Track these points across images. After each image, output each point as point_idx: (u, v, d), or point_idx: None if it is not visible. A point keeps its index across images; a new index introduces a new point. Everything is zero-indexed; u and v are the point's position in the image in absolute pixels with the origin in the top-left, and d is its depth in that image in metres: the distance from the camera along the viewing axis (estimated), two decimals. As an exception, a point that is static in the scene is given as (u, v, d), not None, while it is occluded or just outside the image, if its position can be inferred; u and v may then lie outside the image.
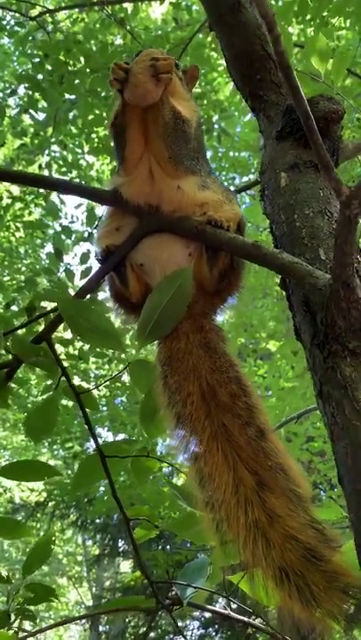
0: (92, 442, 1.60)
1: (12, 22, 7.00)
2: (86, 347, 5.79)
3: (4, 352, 1.74)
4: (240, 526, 1.33)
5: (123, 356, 6.84)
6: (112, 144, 1.62)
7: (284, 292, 1.74)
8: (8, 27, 7.08)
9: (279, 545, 1.31)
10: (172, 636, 8.94)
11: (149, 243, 1.59)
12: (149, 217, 1.58)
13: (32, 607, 2.07)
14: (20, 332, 2.28)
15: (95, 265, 1.78)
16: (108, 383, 7.52)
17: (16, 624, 2.03)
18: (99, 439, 1.68)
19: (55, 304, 1.89)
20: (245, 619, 1.75)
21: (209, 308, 1.64)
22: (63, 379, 1.66)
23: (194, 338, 1.55)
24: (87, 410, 1.68)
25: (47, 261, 8.00)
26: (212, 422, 1.44)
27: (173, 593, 1.69)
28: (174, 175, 1.56)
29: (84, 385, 7.54)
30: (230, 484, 1.37)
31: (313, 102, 1.90)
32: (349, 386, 1.33)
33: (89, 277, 1.66)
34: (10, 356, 1.70)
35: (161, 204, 1.56)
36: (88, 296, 1.72)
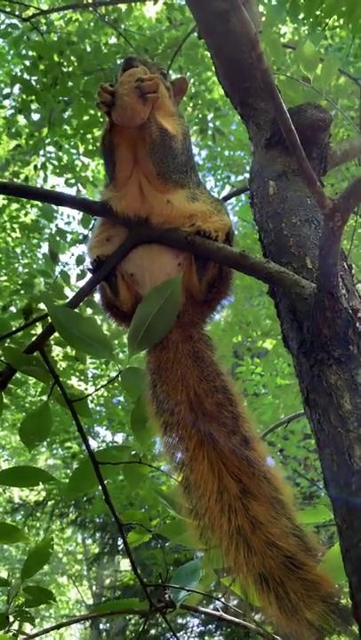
0: (91, 441, 1.63)
1: (6, 23, 7.00)
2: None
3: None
4: (223, 533, 1.36)
5: (120, 355, 6.87)
6: (102, 158, 1.64)
7: (273, 300, 1.77)
8: (2, 27, 7.08)
9: (260, 551, 1.34)
10: (171, 633, 8.99)
11: (140, 253, 1.61)
12: (139, 228, 1.60)
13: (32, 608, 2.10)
14: (17, 334, 2.30)
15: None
16: (102, 389, 7.54)
17: (15, 626, 2.07)
18: (96, 439, 1.71)
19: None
20: (237, 619, 1.78)
21: (198, 317, 1.67)
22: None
23: (183, 347, 1.58)
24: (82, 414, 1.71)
25: (43, 261, 8.02)
26: (198, 431, 1.47)
27: (167, 596, 1.72)
28: (163, 190, 1.59)
29: (82, 386, 7.57)
30: (215, 492, 1.39)
31: (301, 110, 1.93)
32: (335, 393, 1.36)
33: (80, 288, 1.68)
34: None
35: (151, 217, 1.59)
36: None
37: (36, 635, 1.70)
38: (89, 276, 1.69)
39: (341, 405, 1.34)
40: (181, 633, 8.88)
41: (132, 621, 10.31)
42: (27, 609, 2.12)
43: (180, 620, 9.12)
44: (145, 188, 1.59)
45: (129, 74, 1.51)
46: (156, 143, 1.54)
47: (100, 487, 1.66)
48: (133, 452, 1.75)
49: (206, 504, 1.39)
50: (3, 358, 1.73)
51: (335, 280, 1.37)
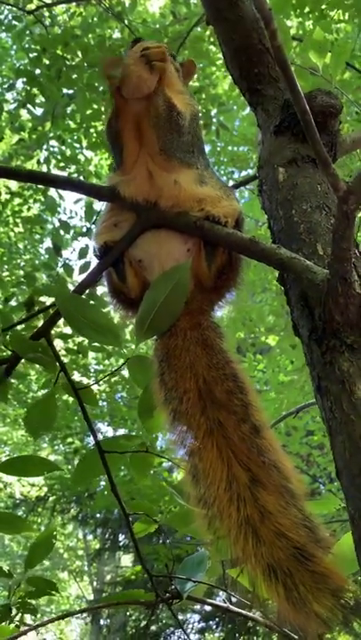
0: (92, 437, 1.60)
1: (10, 17, 6.97)
2: (86, 341, 5.80)
3: (2, 347, 1.75)
4: (232, 522, 1.33)
5: (123, 350, 6.85)
6: (109, 145, 1.62)
7: (282, 287, 1.74)
8: (6, 21, 7.05)
9: (269, 542, 1.31)
10: (172, 629, 8.99)
11: (148, 238, 1.59)
12: (147, 213, 1.58)
13: (33, 601, 2.09)
14: (18, 327, 2.28)
15: (94, 260, 1.79)
16: (107, 378, 7.53)
17: (17, 618, 2.05)
18: (98, 435, 1.69)
19: (54, 299, 1.89)
20: (245, 612, 1.76)
21: (207, 305, 1.64)
22: (62, 374, 1.66)
23: (191, 335, 1.55)
24: (86, 405, 1.69)
25: (46, 256, 8.00)
26: (207, 419, 1.44)
27: (173, 587, 1.70)
28: (168, 168, 1.56)
29: (84, 380, 7.56)
30: (224, 481, 1.36)
31: (311, 97, 1.90)
32: (347, 380, 1.33)
33: (87, 273, 1.66)
34: (8, 352, 1.70)
35: (159, 200, 1.56)
36: (87, 291, 1.72)
37: (41, 625, 1.68)
38: (94, 265, 1.66)
39: (354, 392, 1.31)
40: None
41: (133, 617, 10.31)
42: (30, 600, 2.10)
43: (180, 616, 9.12)
44: (153, 171, 1.56)
45: (137, 45, 1.49)
46: (161, 117, 1.51)
47: (101, 482, 1.63)
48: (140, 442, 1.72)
49: (215, 493, 1.36)
50: (8, 346, 1.70)
51: (349, 265, 1.34)
